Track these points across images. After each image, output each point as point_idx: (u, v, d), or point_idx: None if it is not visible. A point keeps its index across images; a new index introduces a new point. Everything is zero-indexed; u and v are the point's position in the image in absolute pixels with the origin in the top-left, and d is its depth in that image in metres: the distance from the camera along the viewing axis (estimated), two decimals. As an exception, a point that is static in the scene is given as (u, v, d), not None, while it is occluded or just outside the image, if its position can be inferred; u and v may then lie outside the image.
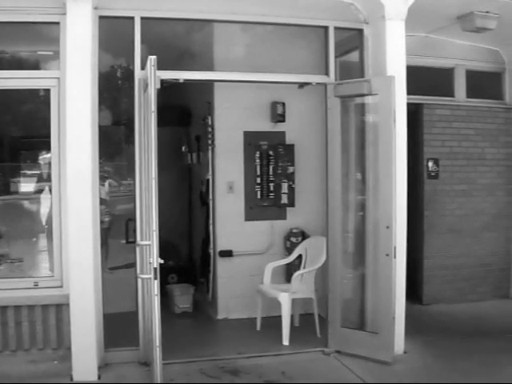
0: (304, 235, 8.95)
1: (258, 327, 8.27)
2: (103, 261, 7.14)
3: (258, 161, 8.98)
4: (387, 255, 6.94)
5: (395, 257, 6.93)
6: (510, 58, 10.05)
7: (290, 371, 6.77)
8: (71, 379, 6.36)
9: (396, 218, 6.97)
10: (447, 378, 6.55)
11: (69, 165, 6.44)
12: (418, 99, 9.25)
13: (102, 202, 7.72)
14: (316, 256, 8.10)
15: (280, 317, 7.72)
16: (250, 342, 7.65)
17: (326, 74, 7.71)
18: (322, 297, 7.85)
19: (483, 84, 10.19)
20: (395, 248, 6.94)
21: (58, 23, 6.67)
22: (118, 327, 7.04)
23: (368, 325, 7.39)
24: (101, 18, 6.80)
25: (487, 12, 8.00)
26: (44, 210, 7.42)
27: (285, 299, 7.75)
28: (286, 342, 7.65)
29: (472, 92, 9.99)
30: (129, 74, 7.34)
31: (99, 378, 6.46)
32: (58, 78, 6.75)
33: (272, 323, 8.01)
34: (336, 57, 7.77)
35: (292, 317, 7.95)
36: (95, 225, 6.66)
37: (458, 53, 9.80)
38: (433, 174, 9.63)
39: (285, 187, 9.01)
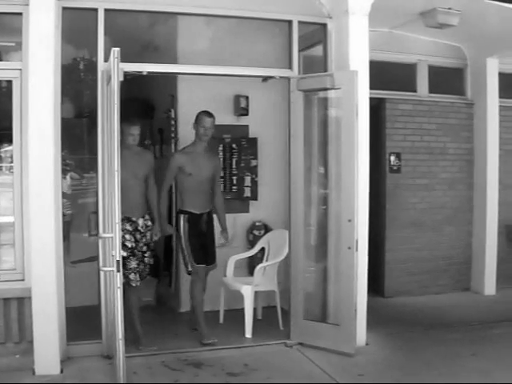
0: (267, 228, 9.00)
1: (221, 320, 8.29)
2: (65, 254, 7.08)
3: (221, 154, 8.99)
4: (349, 248, 7.00)
5: (357, 250, 6.99)
6: (471, 54, 10.17)
7: (253, 363, 6.80)
8: (33, 373, 6.29)
9: (358, 212, 7.02)
10: (409, 369, 6.65)
11: (31, 157, 6.37)
12: (380, 94, 9.33)
13: (64, 195, 7.63)
14: (279, 249, 8.13)
15: (243, 309, 7.75)
16: (212, 335, 7.64)
17: (290, 67, 7.73)
18: (285, 290, 7.89)
19: (445, 79, 10.32)
20: (357, 241, 6.99)
21: (20, 14, 6.57)
22: (81, 321, 7.03)
23: (330, 317, 7.46)
24: (64, 9, 6.72)
25: (449, 8, 8.10)
26: (5, 203, 7.34)
27: (247, 292, 7.78)
28: (248, 334, 7.68)
29: (434, 87, 10.10)
30: (92, 66, 7.29)
31: (62, 371, 6.41)
32: (21, 70, 6.65)
33: (235, 316, 8.06)
34: (300, 51, 7.77)
35: (255, 309, 8.00)
36: (57, 216, 6.60)
37: (420, 48, 9.90)
38: (395, 168, 9.71)
39: (248, 180, 9.03)
